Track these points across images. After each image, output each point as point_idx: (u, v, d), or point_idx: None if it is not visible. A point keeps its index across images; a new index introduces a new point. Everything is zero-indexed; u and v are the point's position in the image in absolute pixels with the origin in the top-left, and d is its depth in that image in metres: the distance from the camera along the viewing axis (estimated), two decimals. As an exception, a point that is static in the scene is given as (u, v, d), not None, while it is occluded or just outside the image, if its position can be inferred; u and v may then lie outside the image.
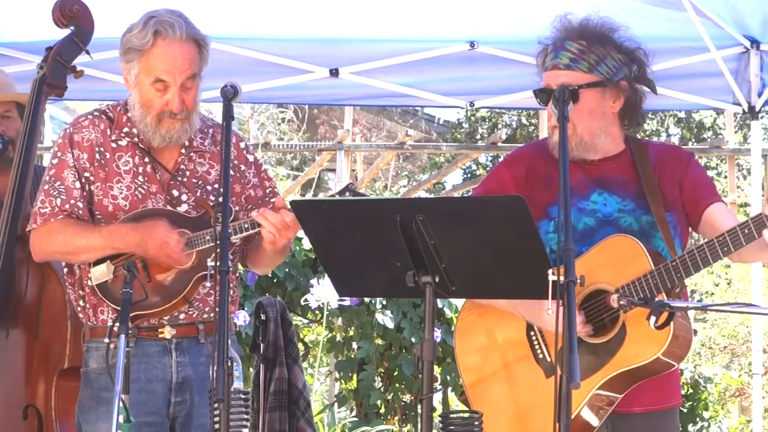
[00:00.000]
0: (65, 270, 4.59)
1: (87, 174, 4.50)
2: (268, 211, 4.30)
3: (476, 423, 3.84)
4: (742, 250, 4.00)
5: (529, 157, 4.45)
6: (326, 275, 6.57)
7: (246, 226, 4.33)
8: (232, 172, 4.56)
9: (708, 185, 4.40)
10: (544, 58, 4.32)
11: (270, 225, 4.29)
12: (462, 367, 4.42)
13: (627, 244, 4.16)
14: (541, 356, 4.25)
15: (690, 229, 4.40)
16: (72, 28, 5.29)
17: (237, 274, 4.70)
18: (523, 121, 22.12)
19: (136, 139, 4.53)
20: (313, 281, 8.33)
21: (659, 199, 4.27)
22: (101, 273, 4.46)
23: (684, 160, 4.40)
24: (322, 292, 8.14)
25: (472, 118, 22.92)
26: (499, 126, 22.45)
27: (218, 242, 3.97)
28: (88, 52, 5.36)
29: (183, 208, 4.49)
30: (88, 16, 5.31)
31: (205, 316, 4.49)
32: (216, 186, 4.50)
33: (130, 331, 4.06)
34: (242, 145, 4.71)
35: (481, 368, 4.36)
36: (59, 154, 4.55)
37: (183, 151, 4.56)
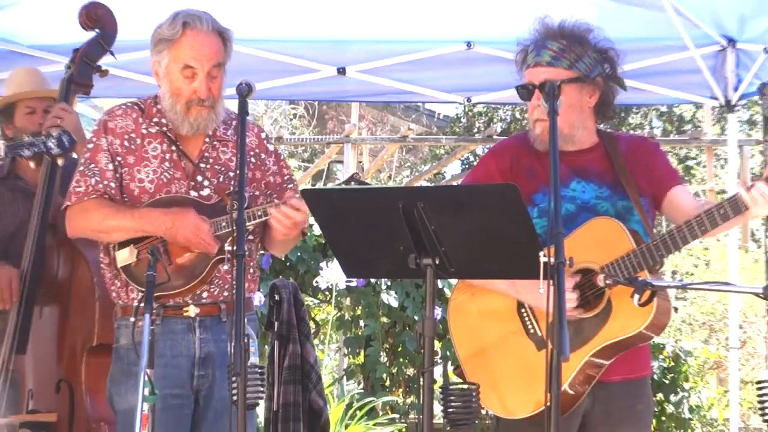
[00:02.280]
0: (101, 251, 4.60)
1: (119, 158, 4.52)
2: (284, 207, 4.31)
3: (474, 394, 3.85)
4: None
5: (513, 149, 4.47)
6: (335, 259, 6.58)
7: (259, 213, 4.35)
8: (253, 160, 4.60)
9: (671, 170, 4.47)
10: (525, 57, 4.36)
11: (287, 218, 4.32)
12: (457, 343, 4.42)
13: (609, 225, 4.20)
14: (532, 331, 4.26)
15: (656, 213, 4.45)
16: (97, 30, 5.30)
17: (256, 256, 4.70)
18: (517, 115, 22.07)
19: (164, 129, 4.54)
20: (323, 264, 8.35)
21: (633, 186, 4.32)
22: (125, 257, 4.47)
23: (651, 149, 4.47)
24: (332, 274, 8.15)
25: (470, 113, 22.88)
26: (495, 120, 22.37)
27: (234, 228, 3.98)
28: (112, 53, 5.37)
29: (205, 192, 4.50)
30: (112, 19, 5.32)
31: (226, 294, 4.49)
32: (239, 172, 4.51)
33: (155, 310, 4.07)
34: (263, 135, 4.72)
35: (475, 343, 4.37)
36: (94, 139, 4.57)
37: (207, 140, 4.56)
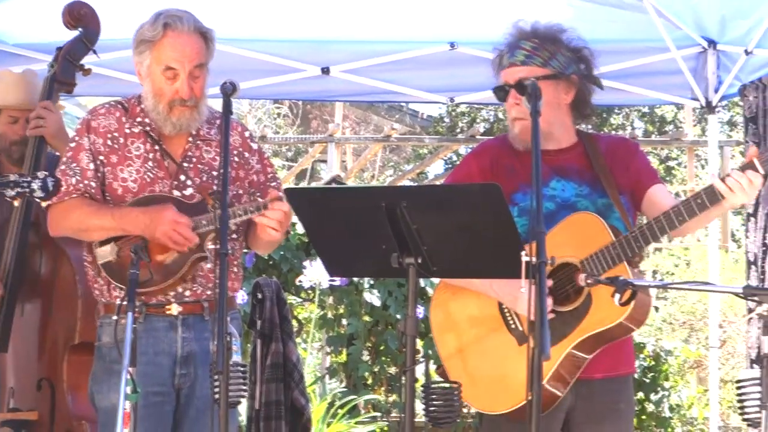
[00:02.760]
0: (84, 249, 4.59)
1: (101, 157, 4.51)
2: (267, 211, 4.31)
3: (455, 392, 3.85)
4: (690, 222, 4.09)
5: (494, 150, 4.49)
6: (318, 258, 6.57)
7: (239, 212, 4.35)
8: (236, 159, 4.59)
9: (650, 170, 4.50)
10: (500, 60, 4.39)
11: (273, 222, 4.32)
12: (438, 341, 4.42)
13: (589, 220, 4.22)
14: (513, 326, 4.27)
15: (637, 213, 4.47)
16: (80, 29, 5.28)
17: (240, 255, 4.69)
18: (500, 116, 22.07)
19: (147, 128, 4.53)
20: (306, 263, 8.35)
21: (613, 184, 4.33)
22: (105, 253, 4.46)
23: (632, 149, 4.49)
24: (315, 273, 8.15)
25: (453, 113, 22.90)
26: (478, 120, 22.41)
27: (216, 226, 3.98)
28: (95, 52, 5.35)
29: (188, 192, 4.49)
30: (95, 18, 5.30)
31: (209, 293, 4.48)
32: (221, 171, 4.50)
33: (137, 308, 4.06)
34: (246, 134, 4.72)
35: (457, 341, 4.37)
36: (77, 138, 4.57)
37: (190, 139, 4.56)
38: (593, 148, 4.42)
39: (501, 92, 4.34)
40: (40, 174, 4.76)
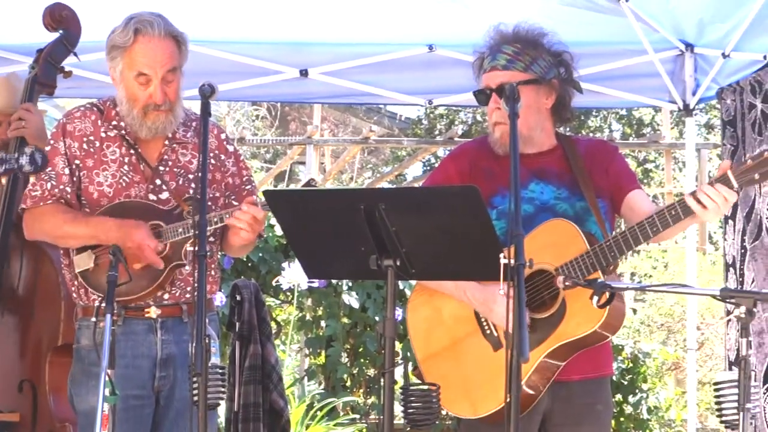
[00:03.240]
0: (61, 252, 4.59)
1: (77, 161, 4.51)
2: (238, 212, 4.31)
3: (434, 394, 3.86)
4: (666, 231, 4.10)
5: (472, 152, 4.50)
6: (296, 259, 6.57)
7: (215, 219, 4.35)
8: (213, 161, 4.59)
9: (630, 174, 4.51)
10: (481, 63, 4.40)
11: (242, 223, 4.31)
12: (414, 344, 4.43)
13: (563, 227, 4.23)
14: (488, 332, 4.28)
15: (616, 216, 4.49)
16: (61, 31, 5.27)
17: (217, 258, 4.69)
18: (478, 118, 22.12)
19: (123, 132, 4.53)
20: (285, 265, 8.34)
21: (591, 188, 4.35)
22: (82, 261, 4.46)
23: (611, 152, 4.51)
24: (293, 274, 8.15)
25: (431, 115, 22.93)
26: (456, 122, 22.45)
27: (195, 230, 3.98)
28: (75, 54, 5.34)
29: (164, 195, 4.50)
30: (76, 20, 5.29)
31: (188, 296, 4.48)
32: (198, 174, 4.49)
33: (116, 311, 4.06)
34: (222, 136, 4.71)
35: (433, 344, 4.38)
36: (52, 142, 4.57)
37: (166, 142, 4.56)
38: (572, 150, 4.43)
39: (482, 96, 4.36)
40: (27, 149, 4.79)
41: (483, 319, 4.29)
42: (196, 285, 3.87)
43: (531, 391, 4.20)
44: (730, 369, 3.78)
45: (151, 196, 4.48)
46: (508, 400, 3.48)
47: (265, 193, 4.01)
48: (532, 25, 4.39)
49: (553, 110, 4.43)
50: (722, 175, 3.95)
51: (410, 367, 4.31)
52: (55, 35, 5.28)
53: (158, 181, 4.51)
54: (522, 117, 4.11)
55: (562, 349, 4.17)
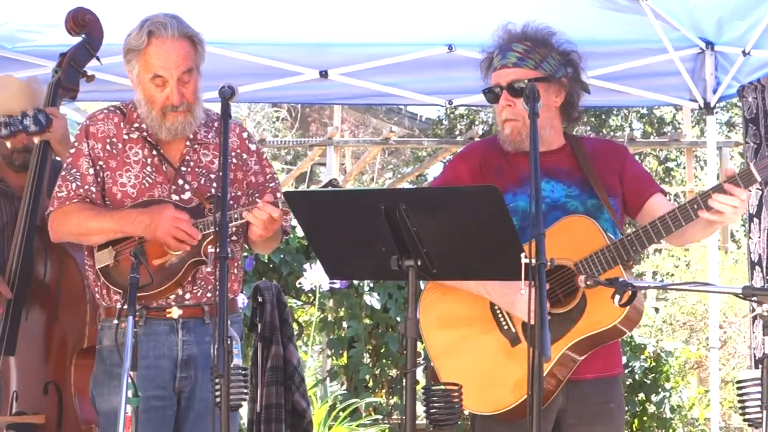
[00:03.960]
0: (85, 253, 4.61)
1: (101, 162, 4.53)
2: (254, 209, 4.32)
3: (456, 394, 3.86)
4: (688, 230, 4.13)
5: (481, 151, 4.50)
6: (318, 260, 6.57)
7: (235, 216, 4.36)
8: (235, 160, 4.60)
9: (647, 177, 4.51)
10: (490, 62, 4.41)
11: (257, 220, 4.32)
12: (428, 341, 4.42)
13: (582, 222, 4.24)
14: (506, 327, 4.27)
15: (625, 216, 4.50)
16: (83, 35, 5.30)
17: (239, 257, 4.70)
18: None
19: (145, 134, 4.54)
20: (306, 266, 8.34)
21: (601, 186, 4.35)
22: (103, 257, 4.48)
23: (620, 153, 4.51)
24: (315, 276, 8.14)
25: (451, 115, 22.90)
26: (476, 122, 22.41)
27: (217, 229, 3.99)
28: (98, 58, 5.38)
29: (186, 196, 4.51)
30: (98, 24, 5.32)
31: (209, 296, 4.49)
32: (220, 174, 4.50)
33: (137, 312, 4.07)
34: (245, 135, 4.72)
35: (447, 341, 4.38)
36: (76, 144, 4.59)
37: (188, 143, 4.57)
38: (580, 149, 4.44)
39: (491, 94, 4.36)
40: (30, 111, 4.83)
41: (500, 315, 4.28)
42: (218, 285, 3.88)
43: (548, 387, 4.19)
44: (756, 367, 3.76)
45: (174, 197, 4.50)
46: (529, 395, 3.48)
47: (286, 194, 4.01)
48: (540, 24, 4.40)
49: (562, 109, 4.44)
50: (731, 176, 3.97)
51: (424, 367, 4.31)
52: (78, 39, 5.31)
53: (180, 182, 4.53)
54: (517, 116, 4.13)
55: (582, 343, 4.17)
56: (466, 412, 4.23)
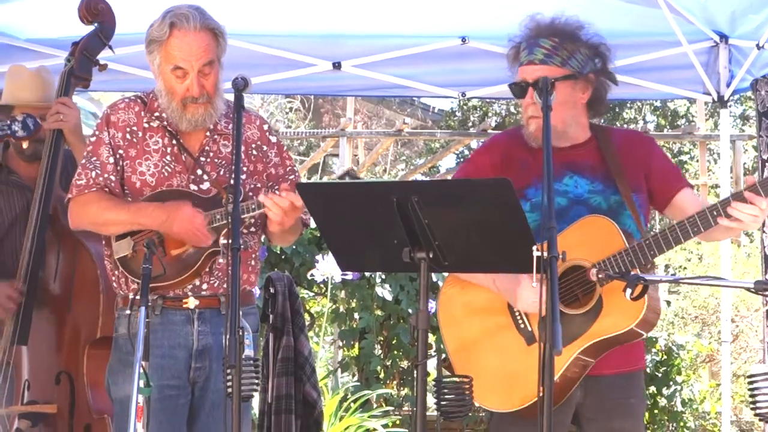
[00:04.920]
0: (103, 242, 4.63)
1: (120, 151, 4.55)
2: (275, 195, 4.33)
3: (466, 386, 3.86)
4: (711, 231, 4.09)
5: (504, 144, 4.48)
6: (330, 252, 6.58)
7: (253, 206, 4.37)
8: (255, 152, 4.62)
9: (675, 171, 4.49)
10: (516, 54, 4.36)
11: (276, 207, 4.32)
12: (446, 336, 4.42)
13: (601, 223, 4.20)
14: (522, 326, 4.26)
15: (652, 209, 4.47)
16: (96, 24, 5.31)
17: (258, 249, 4.70)
18: (512, 110, 22.06)
19: (165, 123, 4.56)
20: (318, 257, 8.34)
21: (625, 181, 4.32)
22: (122, 247, 4.50)
23: (647, 146, 4.47)
24: (327, 267, 8.15)
25: (464, 107, 22.88)
26: (489, 114, 22.40)
27: (230, 221, 4.00)
28: (110, 47, 5.38)
29: (205, 186, 4.52)
30: (111, 13, 5.33)
31: (226, 286, 4.50)
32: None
33: (153, 301, 4.08)
34: (265, 127, 4.73)
35: (465, 336, 4.37)
36: (97, 132, 4.61)
37: (208, 134, 4.58)
38: (607, 142, 4.40)
39: (518, 89, 4.33)
40: (19, 116, 4.87)
41: (517, 313, 4.27)
42: (229, 276, 3.89)
43: (563, 387, 4.18)
44: (766, 361, 3.76)
45: (192, 186, 4.51)
46: (541, 393, 3.48)
47: (298, 186, 4.02)
48: (569, 18, 4.35)
49: (589, 104, 4.39)
50: (751, 185, 3.96)
51: (439, 358, 4.30)
52: (91, 28, 5.32)
53: (199, 172, 4.54)
54: (557, 112, 4.08)
55: (596, 346, 4.15)
56: (477, 405, 4.23)
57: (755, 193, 3.96)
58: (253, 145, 4.62)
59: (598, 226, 4.20)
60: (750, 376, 3.81)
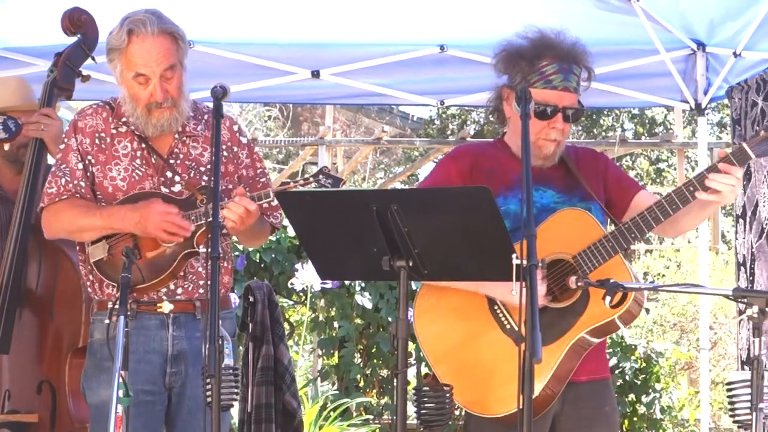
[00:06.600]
0: (78, 248, 4.61)
1: (89, 157, 4.54)
2: (231, 202, 4.31)
3: (447, 395, 3.86)
4: (682, 217, 4.17)
5: (474, 154, 4.48)
6: (309, 260, 6.57)
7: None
8: (225, 153, 4.60)
9: (629, 178, 4.58)
10: (520, 67, 4.32)
11: (233, 214, 4.31)
12: (426, 349, 4.37)
13: (576, 215, 4.26)
14: (508, 327, 4.24)
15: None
16: (79, 35, 5.30)
17: (229, 251, 4.69)
18: (491, 118, 22.10)
19: (132, 127, 4.55)
20: (298, 266, 8.33)
21: (588, 191, 4.36)
22: (97, 251, 4.49)
23: (602, 160, 4.54)
24: (306, 275, 8.13)
25: (443, 115, 22.93)
26: (468, 122, 22.45)
27: (205, 221, 3.99)
28: (93, 58, 5.37)
29: (177, 188, 4.51)
30: (94, 25, 5.32)
31: (201, 291, 4.49)
32: (209, 167, 4.49)
33: (129, 311, 4.06)
34: (235, 128, 4.71)
35: (447, 345, 4.33)
36: (65, 139, 4.61)
37: (176, 136, 4.57)
38: (566, 158, 4.44)
39: (542, 111, 4.27)
40: (0, 118, 4.88)
41: (500, 315, 4.26)
42: (209, 283, 3.87)
43: (551, 391, 4.18)
44: (743, 369, 3.78)
45: (164, 189, 4.50)
46: (521, 403, 3.48)
47: (277, 194, 4.02)
48: (583, 44, 4.36)
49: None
50: (724, 156, 4.02)
51: (423, 369, 4.29)
52: (74, 39, 5.31)
53: (170, 174, 4.53)
54: (563, 138, 4.27)
55: (590, 334, 4.18)
56: (457, 413, 4.22)
57: (729, 164, 4.02)
58: (224, 147, 4.59)
59: (573, 217, 4.25)
60: (729, 383, 3.83)
